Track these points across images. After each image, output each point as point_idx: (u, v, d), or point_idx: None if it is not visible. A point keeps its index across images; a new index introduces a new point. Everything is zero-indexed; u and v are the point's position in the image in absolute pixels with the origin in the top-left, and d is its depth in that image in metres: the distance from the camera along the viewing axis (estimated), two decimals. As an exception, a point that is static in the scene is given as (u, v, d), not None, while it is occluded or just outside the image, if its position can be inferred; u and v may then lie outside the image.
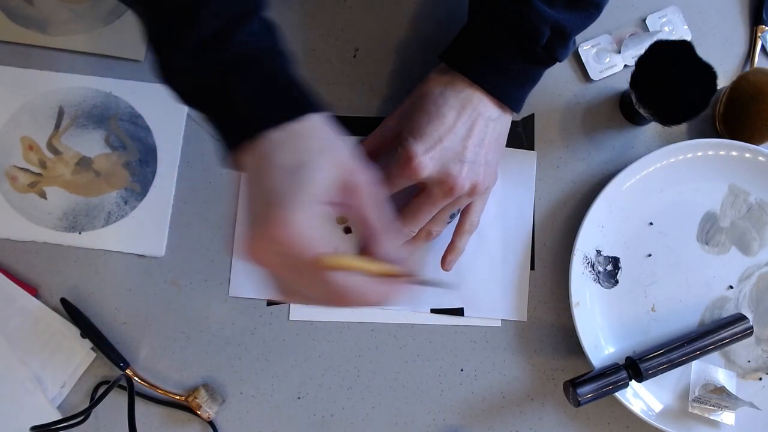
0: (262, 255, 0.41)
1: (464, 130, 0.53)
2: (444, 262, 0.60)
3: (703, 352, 0.59)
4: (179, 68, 0.46)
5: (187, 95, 0.47)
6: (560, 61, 0.55)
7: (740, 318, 0.60)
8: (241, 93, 0.44)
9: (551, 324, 0.63)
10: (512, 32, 0.52)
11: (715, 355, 0.62)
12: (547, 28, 0.52)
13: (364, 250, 0.45)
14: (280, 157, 0.42)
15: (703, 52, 0.56)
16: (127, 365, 0.61)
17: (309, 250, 0.40)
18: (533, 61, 0.54)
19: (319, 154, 0.42)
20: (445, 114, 0.53)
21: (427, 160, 0.52)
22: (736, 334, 0.59)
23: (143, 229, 0.63)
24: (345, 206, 0.44)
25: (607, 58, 0.65)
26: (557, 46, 0.53)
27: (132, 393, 0.58)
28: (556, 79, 0.65)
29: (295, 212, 0.39)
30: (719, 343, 0.59)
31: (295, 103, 0.44)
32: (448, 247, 0.59)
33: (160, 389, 0.62)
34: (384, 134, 0.59)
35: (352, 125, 0.64)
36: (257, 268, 0.42)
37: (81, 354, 0.62)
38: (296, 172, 0.41)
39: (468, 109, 0.54)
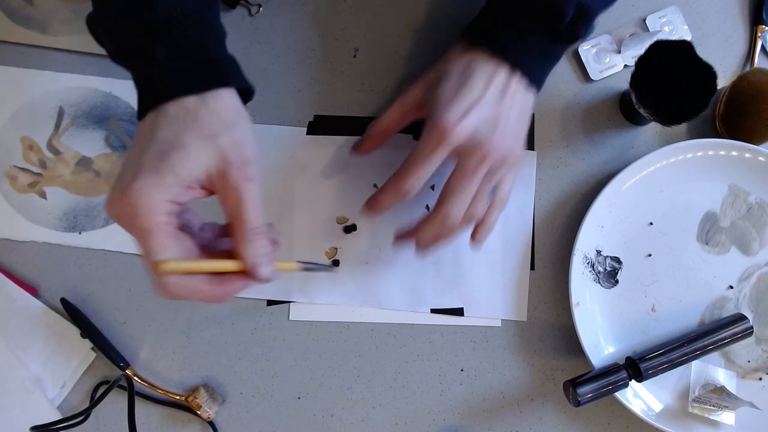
0: (116, 217, 0.43)
1: (493, 98, 0.53)
2: (474, 238, 0.58)
3: (703, 352, 0.59)
4: (106, 26, 0.46)
5: (112, 53, 0.48)
6: (584, 39, 0.54)
7: (740, 318, 0.60)
8: (155, 58, 0.44)
9: (551, 324, 0.63)
10: (536, 9, 0.52)
11: (715, 355, 0.62)
12: (571, 6, 0.51)
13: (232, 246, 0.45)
14: (164, 131, 0.43)
15: (703, 52, 0.56)
16: (127, 365, 0.61)
17: (145, 230, 0.42)
18: (557, 38, 0.53)
19: (202, 139, 0.43)
20: (474, 84, 0.53)
21: (459, 127, 0.51)
22: (736, 334, 0.59)
23: (143, 229, 0.63)
24: (218, 194, 0.45)
25: (607, 58, 0.65)
26: (580, 24, 0.53)
27: (132, 393, 0.58)
28: (556, 79, 0.65)
29: (152, 190, 0.41)
30: (719, 343, 0.59)
31: (202, 76, 0.44)
32: (480, 222, 0.57)
33: (160, 389, 0.62)
34: (404, 108, 0.57)
35: (352, 125, 0.64)
36: None
37: (81, 354, 0.62)
38: (170, 152, 0.42)
39: (495, 80, 0.53)
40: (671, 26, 0.66)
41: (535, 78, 0.55)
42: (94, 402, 0.59)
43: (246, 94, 0.49)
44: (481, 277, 0.63)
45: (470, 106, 0.52)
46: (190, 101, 0.44)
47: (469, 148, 0.52)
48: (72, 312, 0.61)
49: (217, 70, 0.46)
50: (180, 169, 0.42)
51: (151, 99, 0.45)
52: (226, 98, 0.45)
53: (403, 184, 0.53)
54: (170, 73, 0.44)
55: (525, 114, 0.55)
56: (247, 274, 0.45)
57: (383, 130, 0.58)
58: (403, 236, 0.58)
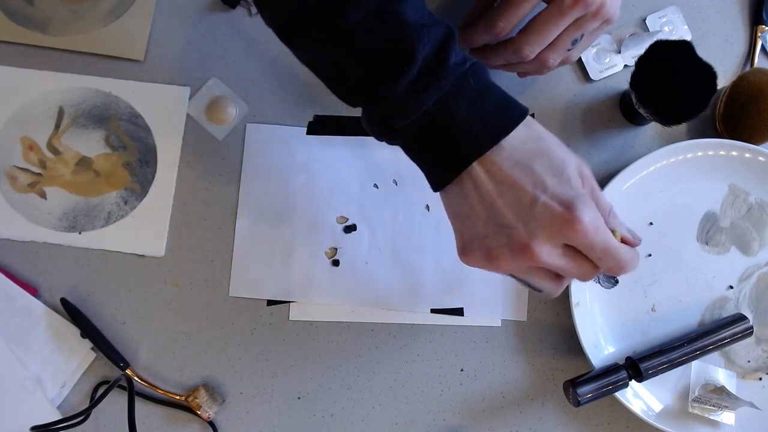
0: (549, 254, 0.43)
1: None
2: (521, 72, 0.58)
3: (703, 352, 0.59)
4: (403, 102, 0.44)
5: (407, 129, 0.45)
6: None
7: (740, 318, 0.60)
8: (464, 110, 0.44)
9: (551, 324, 0.63)
10: None
11: (715, 355, 0.62)
12: None
13: None
14: (539, 161, 0.44)
15: (703, 52, 0.56)
16: (127, 365, 0.61)
17: (606, 232, 0.43)
18: None
19: (560, 148, 0.45)
20: None
21: None
22: (736, 334, 0.59)
23: (143, 229, 0.63)
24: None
25: (607, 58, 0.65)
26: None
27: (132, 393, 0.58)
28: (556, 79, 0.65)
29: (588, 205, 0.42)
30: (719, 343, 0.59)
31: (514, 106, 0.45)
32: (536, 62, 0.55)
33: (160, 389, 0.62)
34: None
35: (352, 125, 0.64)
36: (521, 268, 0.45)
37: (81, 354, 0.62)
38: (564, 171, 0.44)
39: None
40: (671, 26, 0.66)
41: None
42: (94, 402, 0.59)
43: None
44: (481, 277, 0.63)
45: None
46: (522, 131, 0.44)
47: None
48: (72, 312, 0.61)
49: (515, 101, 0.46)
50: (579, 181, 0.44)
51: (475, 151, 0.44)
52: (533, 120, 0.46)
53: (498, 22, 0.53)
54: (487, 119, 0.44)
55: None
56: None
57: (514, 19, 0.54)
58: (477, 32, 0.56)
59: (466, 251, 0.46)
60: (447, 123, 0.44)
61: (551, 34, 0.52)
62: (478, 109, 0.44)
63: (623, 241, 0.47)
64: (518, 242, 0.43)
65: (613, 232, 0.45)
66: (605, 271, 0.45)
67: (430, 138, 0.45)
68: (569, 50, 0.54)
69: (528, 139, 0.44)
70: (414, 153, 0.47)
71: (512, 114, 0.45)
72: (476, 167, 0.44)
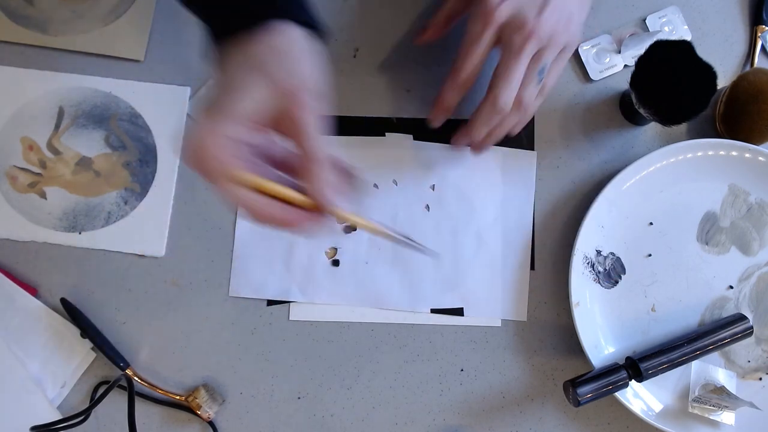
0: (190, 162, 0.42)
1: None
2: (523, 106, 0.57)
3: (703, 352, 0.59)
4: None
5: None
6: None
7: (740, 318, 0.60)
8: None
9: (551, 324, 0.63)
10: None
11: (715, 355, 0.62)
12: None
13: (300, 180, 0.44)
14: (230, 68, 0.43)
15: (703, 52, 0.56)
16: (127, 365, 0.61)
17: (216, 168, 0.41)
18: None
19: (262, 76, 0.42)
20: None
21: (503, 5, 0.52)
22: (736, 334, 0.59)
23: (143, 229, 0.63)
24: (279, 132, 0.44)
25: (607, 58, 0.65)
26: None
27: (132, 393, 0.58)
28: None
29: (209, 131, 0.41)
30: (719, 343, 0.59)
31: (268, 6, 0.44)
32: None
33: (160, 389, 0.62)
34: (454, 4, 0.58)
35: (352, 125, 0.64)
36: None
37: (81, 354, 0.62)
38: (229, 91, 0.42)
39: None
40: (671, 26, 0.66)
41: None
42: (94, 402, 0.59)
43: (312, 30, 0.47)
44: (481, 277, 0.63)
45: None
46: (245, 37, 0.43)
47: (513, 26, 0.52)
48: (72, 312, 0.61)
49: (272, 3, 0.44)
50: (237, 110, 0.42)
51: (223, 31, 0.44)
52: (283, 31, 0.44)
53: (461, 74, 0.55)
54: (240, 4, 0.44)
55: None
56: (317, 207, 0.44)
57: (446, 18, 0.59)
58: (459, 136, 0.59)
59: None
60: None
61: (516, 76, 0.53)
62: None
63: (310, 203, 0.43)
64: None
65: (306, 184, 0.42)
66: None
67: (206, 10, 0.46)
68: (539, 84, 0.55)
69: (262, 45, 0.43)
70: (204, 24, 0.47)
71: (256, 11, 0.43)
72: (228, 47, 0.44)
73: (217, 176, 0.41)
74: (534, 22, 0.52)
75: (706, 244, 0.63)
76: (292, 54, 0.44)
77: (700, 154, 0.62)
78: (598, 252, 0.62)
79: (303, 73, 0.44)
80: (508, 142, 0.62)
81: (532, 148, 0.65)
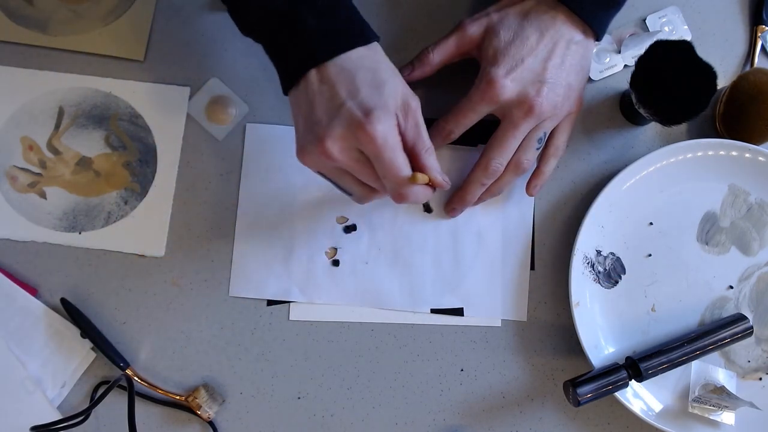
0: (341, 151, 0.48)
1: (545, 51, 0.54)
2: (529, 187, 0.61)
3: (703, 352, 0.59)
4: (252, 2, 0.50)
5: (254, 25, 0.51)
6: None
7: (740, 318, 0.60)
8: (312, 20, 0.48)
9: (551, 324, 0.63)
10: None
11: (715, 355, 0.62)
12: None
13: (414, 163, 0.51)
14: (363, 74, 0.48)
15: (703, 52, 0.56)
16: (127, 365, 0.61)
17: (393, 150, 0.48)
18: None
19: (393, 74, 0.50)
20: (529, 36, 0.54)
21: (507, 82, 0.54)
22: (736, 334, 0.59)
23: (143, 229, 0.63)
24: (401, 123, 0.50)
25: (607, 58, 0.65)
26: None
27: (132, 393, 0.58)
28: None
29: (388, 119, 0.47)
30: (719, 343, 0.59)
31: (364, 29, 0.51)
32: (534, 172, 0.60)
33: (160, 389, 0.62)
34: (462, 42, 0.58)
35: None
36: (322, 165, 0.50)
37: (81, 354, 0.62)
38: (381, 87, 0.48)
39: (551, 30, 0.55)
40: (671, 26, 0.66)
41: (595, 23, 0.56)
42: (94, 402, 0.59)
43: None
44: (481, 277, 0.63)
45: (520, 60, 0.54)
46: (363, 51, 0.49)
47: (514, 104, 0.54)
48: (72, 312, 0.61)
49: (368, 26, 0.51)
50: (392, 101, 0.48)
51: (313, 59, 0.49)
52: (379, 47, 0.51)
53: (446, 126, 0.58)
54: (334, 32, 0.49)
55: (582, 63, 0.57)
56: (430, 184, 0.52)
57: (437, 62, 0.59)
58: (452, 201, 0.61)
59: (296, 149, 0.51)
60: (294, 28, 0.49)
61: (511, 146, 0.57)
62: (325, 22, 0.49)
63: (432, 183, 0.51)
64: (318, 136, 0.48)
65: (422, 169, 0.50)
66: (389, 191, 0.50)
67: (279, 41, 0.50)
68: (538, 149, 0.58)
69: (365, 57, 0.49)
70: (269, 53, 0.52)
71: (356, 35, 0.50)
72: (313, 72, 0.49)
73: (396, 174, 0.48)
74: (534, 101, 0.54)
75: (706, 244, 0.63)
76: (392, 64, 0.52)
77: (700, 154, 0.62)
78: (598, 252, 0.62)
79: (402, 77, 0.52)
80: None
81: (532, 148, 0.65)
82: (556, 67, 0.54)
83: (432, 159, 0.51)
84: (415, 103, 0.50)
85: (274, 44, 0.51)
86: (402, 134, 0.50)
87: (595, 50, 0.65)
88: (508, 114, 0.55)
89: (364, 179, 0.51)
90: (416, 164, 0.51)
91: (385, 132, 0.47)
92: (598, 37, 0.57)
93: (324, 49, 0.49)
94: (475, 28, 0.57)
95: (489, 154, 0.57)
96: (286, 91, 0.52)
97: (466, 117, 0.56)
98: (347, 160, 0.49)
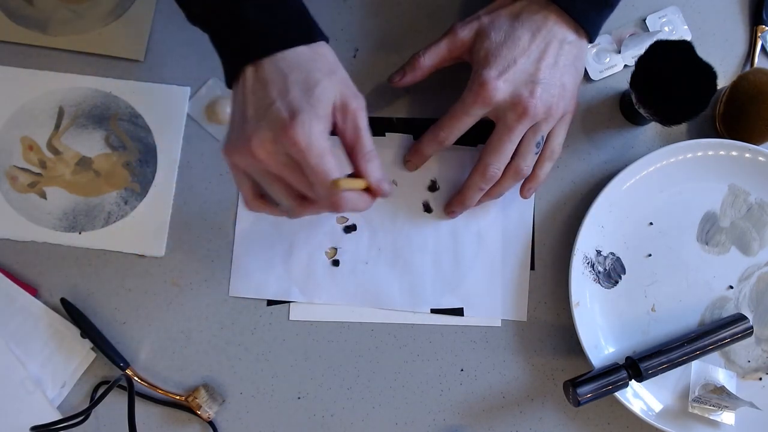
0: (268, 154, 0.46)
1: (537, 52, 0.54)
2: (523, 190, 0.60)
3: (703, 352, 0.59)
4: None
5: (198, 14, 0.50)
6: None
7: (740, 318, 0.60)
8: (253, 14, 0.47)
9: (551, 324, 0.63)
10: None
11: (715, 355, 0.62)
12: None
13: (354, 169, 0.50)
14: (296, 74, 0.47)
15: (703, 52, 0.56)
16: (127, 365, 0.61)
17: (319, 155, 0.45)
18: None
19: (328, 75, 0.48)
20: (520, 36, 0.54)
21: (500, 83, 0.53)
22: (736, 334, 0.59)
23: (143, 229, 0.63)
24: (338, 124, 0.49)
25: (607, 58, 0.65)
26: None
27: (132, 393, 0.58)
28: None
29: (314, 122, 0.45)
30: (719, 343, 0.59)
31: (309, 28, 0.49)
32: (528, 175, 0.59)
33: (160, 389, 0.62)
34: (454, 47, 0.58)
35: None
36: (248, 166, 0.48)
37: (81, 354, 0.62)
38: (313, 89, 0.47)
39: (543, 31, 0.54)
40: (671, 26, 0.66)
41: (588, 24, 0.55)
42: (94, 402, 0.59)
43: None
44: (481, 277, 0.63)
45: (512, 61, 0.53)
46: (303, 49, 0.48)
47: (508, 106, 0.54)
48: (72, 312, 0.61)
49: (315, 25, 0.50)
50: (324, 102, 0.47)
51: (251, 54, 0.48)
52: (325, 47, 0.50)
53: (440, 132, 0.57)
54: (274, 28, 0.48)
55: (576, 64, 0.56)
56: (370, 191, 0.50)
57: (429, 67, 0.58)
58: (453, 205, 0.61)
59: (224, 144, 0.49)
60: (236, 21, 0.47)
61: (507, 149, 0.56)
62: (266, 17, 0.48)
63: (369, 189, 0.49)
64: (244, 136, 0.46)
65: (361, 174, 0.49)
66: (320, 200, 0.48)
67: (221, 33, 0.49)
68: (537, 152, 0.57)
69: (304, 57, 0.48)
70: (213, 44, 0.51)
71: (298, 33, 0.48)
72: (249, 68, 0.48)
73: (323, 179, 0.46)
74: (530, 102, 0.53)
75: (706, 244, 0.63)
76: (337, 63, 0.50)
77: (700, 154, 0.62)
78: (598, 252, 0.62)
79: (347, 76, 0.50)
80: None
81: (532, 148, 0.64)
82: (550, 67, 0.54)
83: (371, 164, 0.49)
84: (356, 104, 0.49)
85: (217, 36, 0.50)
86: (341, 137, 0.49)
87: (595, 50, 0.65)
88: (502, 117, 0.55)
89: (296, 186, 0.48)
90: (356, 169, 0.50)
91: (310, 135, 0.45)
92: (590, 38, 0.56)
93: (261, 44, 0.47)
94: (466, 32, 0.56)
95: (486, 159, 0.56)
96: (229, 85, 0.50)
97: (459, 121, 0.56)
98: (275, 163, 0.47)
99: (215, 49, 0.51)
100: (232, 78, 0.49)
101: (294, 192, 0.49)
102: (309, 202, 0.50)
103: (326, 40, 0.50)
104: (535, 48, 0.54)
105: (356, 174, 0.50)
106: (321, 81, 0.47)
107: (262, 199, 0.52)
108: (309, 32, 0.49)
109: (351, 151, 0.50)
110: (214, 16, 0.49)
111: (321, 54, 0.49)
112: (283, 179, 0.48)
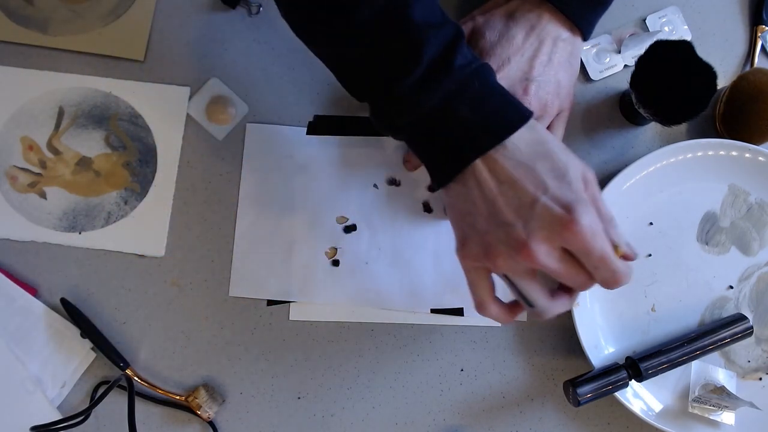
0: (547, 254, 0.43)
1: (531, 50, 0.54)
2: None
3: (703, 352, 0.59)
4: (407, 101, 0.45)
5: (408, 126, 0.47)
6: None
7: (740, 318, 0.60)
8: (465, 111, 0.44)
9: (551, 324, 0.63)
10: None
11: (715, 355, 0.62)
12: None
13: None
14: (541, 164, 0.44)
15: (703, 52, 0.56)
16: (127, 365, 0.61)
17: (603, 238, 0.43)
18: None
19: (565, 152, 0.45)
20: (514, 35, 0.54)
21: None
22: (736, 334, 0.59)
23: (143, 229, 0.63)
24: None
25: (607, 58, 0.65)
26: None
27: (132, 393, 0.58)
28: (556, 79, 0.65)
29: (588, 210, 0.42)
30: (719, 343, 0.59)
31: (519, 107, 0.46)
32: None
33: (160, 389, 0.62)
34: None
35: (352, 125, 0.64)
36: (516, 269, 0.44)
37: (81, 354, 0.62)
38: (566, 175, 0.44)
39: (536, 29, 0.54)
40: (671, 26, 0.66)
41: (582, 22, 0.55)
42: (94, 402, 0.59)
43: None
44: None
45: (506, 59, 0.53)
46: (525, 133, 0.45)
47: None
48: (72, 312, 0.61)
49: (521, 104, 0.46)
50: (581, 186, 0.44)
51: (476, 148, 0.45)
52: (537, 123, 0.46)
53: None
54: (490, 118, 0.45)
55: (571, 61, 0.56)
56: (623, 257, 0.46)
57: None
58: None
59: (464, 247, 0.47)
60: (449, 122, 0.45)
61: None
62: (480, 109, 0.44)
63: (623, 256, 0.45)
64: (516, 240, 0.43)
65: (614, 245, 0.44)
66: (600, 282, 0.44)
67: (433, 136, 0.46)
68: None
69: (532, 141, 0.45)
70: (418, 150, 0.48)
71: (515, 116, 0.45)
72: (479, 165, 0.44)
73: (609, 261, 0.43)
74: (523, 98, 0.53)
75: (706, 244, 0.63)
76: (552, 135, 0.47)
77: (700, 154, 0.62)
78: (598, 252, 0.62)
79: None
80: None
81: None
82: (544, 65, 0.54)
83: (617, 232, 0.45)
84: (591, 175, 0.46)
85: (428, 141, 0.47)
86: None
87: (595, 50, 0.65)
88: None
89: (567, 278, 0.45)
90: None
91: (591, 224, 0.42)
92: (585, 36, 0.56)
93: (488, 135, 0.44)
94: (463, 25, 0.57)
95: None
96: (442, 185, 0.47)
97: None
98: (552, 262, 0.43)
99: (422, 154, 0.48)
100: (450, 178, 0.46)
101: (547, 290, 0.47)
102: (562, 294, 0.48)
103: (532, 114, 0.46)
104: (528, 46, 0.54)
105: None
106: (568, 163, 0.44)
107: (498, 301, 0.49)
108: (521, 110, 0.46)
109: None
110: (425, 125, 0.46)
111: (541, 132, 0.46)
112: (556, 275, 0.45)
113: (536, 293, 0.46)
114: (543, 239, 0.43)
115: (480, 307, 0.48)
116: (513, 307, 0.49)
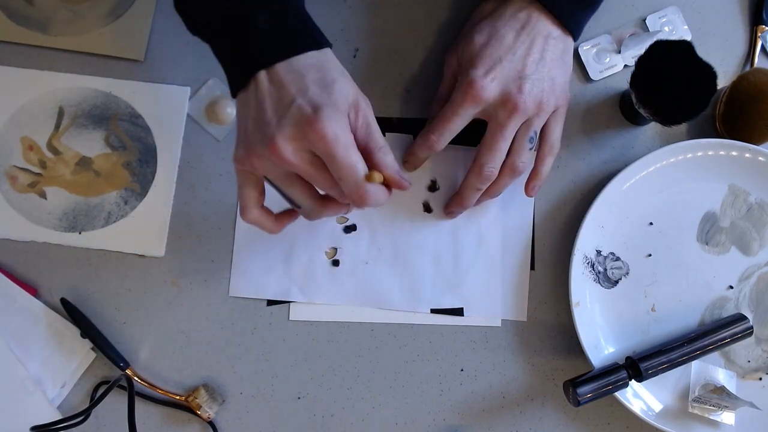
0: (293, 152, 0.46)
1: (523, 48, 0.54)
2: (528, 188, 0.60)
3: (703, 352, 0.59)
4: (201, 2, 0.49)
5: (203, 25, 0.50)
6: None
7: (740, 318, 0.60)
8: (264, 24, 0.48)
9: (551, 324, 0.63)
10: None
11: (715, 355, 0.62)
12: None
13: (369, 164, 0.49)
14: (312, 74, 0.47)
15: (703, 52, 0.56)
16: (127, 365, 0.61)
17: (346, 148, 0.45)
18: None
19: (342, 75, 0.49)
20: (504, 35, 0.54)
21: (487, 81, 0.53)
22: (736, 334, 0.59)
23: (143, 229, 0.63)
24: (351, 123, 0.49)
25: (607, 58, 0.65)
26: None
27: (132, 393, 0.58)
28: (556, 79, 0.65)
29: (338, 116, 0.45)
30: (719, 343, 0.59)
31: (317, 35, 0.50)
32: (531, 173, 0.59)
33: (160, 389, 0.62)
34: (448, 75, 0.59)
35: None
36: (268, 168, 0.47)
37: (81, 354, 0.62)
38: (331, 86, 0.47)
39: (527, 28, 0.54)
40: (671, 26, 0.66)
41: (571, 22, 0.55)
42: (94, 402, 0.59)
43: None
44: (481, 277, 0.63)
45: (498, 59, 0.53)
46: (313, 53, 0.49)
47: (498, 103, 0.54)
48: (72, 312, 0.61)
49: (321, 32, 0.51)
50: (342, 100, 0.47)
51: (264, 60, 0.48)
52: (331, 53, 0.50)
53: (430, 135, 0.57)
54: (285, 35, 0.48)
55: (563, 58, 0.56)
56: (388, 184, 0.50)
57: (442, 101, 0.59)
58: (451, 206, 0.61)
59: (236, 151, 0.49)
60: (244, 29, 0.48)
61: (501, 147, 0.56)
62: (276, 25, 0.48)
63: (387, 181, 0.49)
64: (268, 136, 0.46)
65: (378, 168, 0.48)
66: (348, 196, 0.47)
67: (228, 42, 0.49)
68: (532, 148, 0.57)
69: (316, 60, 0.48)
70: (217, 54, 0.51)
71: (309, 39, 0.49)
72: (263, 74, 0.47)
73: (351, 173, 0.46)
74: (517, 98, 0.53)
75: (706, 244, 0.63)
76: (342, 66, 0.51)
77: (700, 154, 0.62)
78: (598, 252, 0.62)
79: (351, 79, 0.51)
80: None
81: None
82: (536, 63, 0.54)
83: (388, 157, 0.49)
84: (365, 104, 0.49)
85: (224, 45, 0.50)
86: (354, 134, 0.48)
87: (595, 50, 0.65)
88: (493, 115, 0.55)
89: (319, 184, 0.48)
90: (371, 164, 0.49)
91: (336, 129, 0.45)
92: (574, 36, 0.56)
93: (275, 50, 0.47)
94: (451, 52, 0.58)
95: (480, 159, 0.56)
96: (234, 93, 0.50)
97: (450, 122, 0.56)
98: (300, 162, 0.46)
99: (219, 59, 0.51)
100: (240, 86, 0.49)
101: (314, 192, 0.49)
102: (329, 201, 0.50)
103: (330, 46, 0.50)
104: (520, 45, 0.54)
105: (372, 168, 0.49)
106: (337, 79, 0.48)
107: (263, 209, 0.51)
108: (317, 38, 0.50)
109: (365, 147, 0.49)
110: (222, 26, 0.49)
111: (329, 58, 0.49)
112: (307, 178, 0.48)
113: (298, 195, 0.49)
114: (290, 137, 0.45)
115: (242, 212, 0.51)
116: (280, 215, 0.52)
